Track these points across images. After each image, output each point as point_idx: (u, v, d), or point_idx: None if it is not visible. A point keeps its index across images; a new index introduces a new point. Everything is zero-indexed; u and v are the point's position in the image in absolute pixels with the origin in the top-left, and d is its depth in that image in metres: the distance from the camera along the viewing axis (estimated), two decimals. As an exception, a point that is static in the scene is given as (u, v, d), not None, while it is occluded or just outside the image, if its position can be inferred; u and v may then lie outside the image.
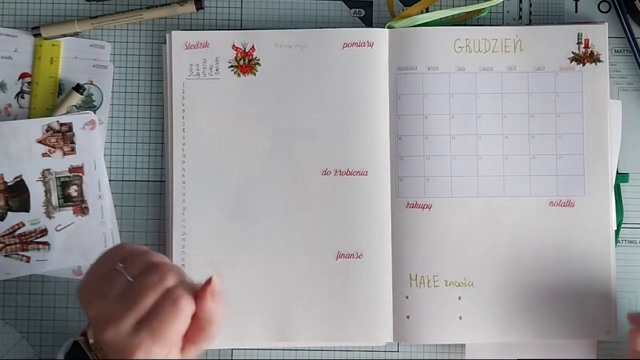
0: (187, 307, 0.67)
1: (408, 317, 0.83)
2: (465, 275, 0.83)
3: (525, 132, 0.84)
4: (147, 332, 0.66)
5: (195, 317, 0.69)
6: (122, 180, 0.86)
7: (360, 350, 0.85)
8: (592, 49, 0.85)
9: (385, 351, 0.85)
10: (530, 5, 0.88)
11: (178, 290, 0.67)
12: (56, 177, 0.84)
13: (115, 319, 0.66)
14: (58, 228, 0.84)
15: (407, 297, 0.83)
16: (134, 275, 0.68)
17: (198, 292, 0.69)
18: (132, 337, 0.66)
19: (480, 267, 0.83)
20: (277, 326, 0.83)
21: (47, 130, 0.84)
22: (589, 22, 0.86)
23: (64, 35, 0.86)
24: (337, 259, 0.84)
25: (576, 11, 0.87)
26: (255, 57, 0.85)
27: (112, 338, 0.66)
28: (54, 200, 0.84)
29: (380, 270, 0.83)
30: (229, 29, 0.87)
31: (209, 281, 0.69)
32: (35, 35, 0.86)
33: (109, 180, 0.85)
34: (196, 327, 0.69)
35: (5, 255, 0.84)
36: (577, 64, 0.85)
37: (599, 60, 0.85)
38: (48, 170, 0.84)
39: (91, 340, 0.70)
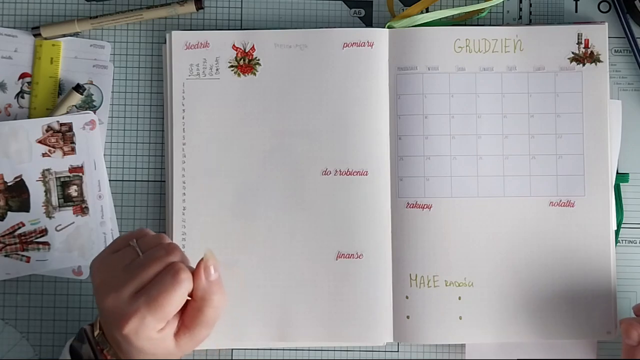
0: (185, 280, 0.69)
1: (408, 317, 0.83)
2: (465, 275, 0.83)
3: (525, 132, 0.84)
4: (144, 299, 0.68)
5: (192, 299, 0.71)
6: (122, 180, 0.86)
7: (360, 350, 0.85)
8: (592, 49, 0.85)
9: (385, 351, 0.85)
10: (530, 5, 0.88)
11: (179, 264, 0.70)
12: (56, 177, 0.84)
13: (118, 285, 0.69)
14: (58, 228, 0.84)
15: (407, 297, 0.83)
16: (145, 251, 0.71)
17: (194, 271, 0.71)
18: (130, 303, 0.69)
19: (480, 267, 0.83)
20: (277, 326, 0.83)
21: (47, 130, 0.84)
22: (589, 22, 0.86)
23: (64, 35, 0.86)
24: (337, 259, 0.84)
25: (576, 11, 0.87)
26: (256, 57, 0.85)
27: (111, 304, 0.69)
28: (54, 200, 0.84)
29: (380, 270, 0.83)
30: (229, 29, 0.87)
31: (202, 259, 0.71)
32: (35, 35, 0.86)
33: (109, 180, 0.85)
34: (192, 309, 0.71)
35: (5, 255, 0.84)
36: (577, 64, 0.85)
37: (599, 60, 0.85)
38: (48, 170, 0.84)
39: (96, 332, 0.73)
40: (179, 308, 0.70)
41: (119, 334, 0.69)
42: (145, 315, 0.68)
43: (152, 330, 0.69)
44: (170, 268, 0.69)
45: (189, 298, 0.71)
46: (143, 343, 0.69)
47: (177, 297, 0.69)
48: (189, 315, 0.72)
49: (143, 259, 0.70)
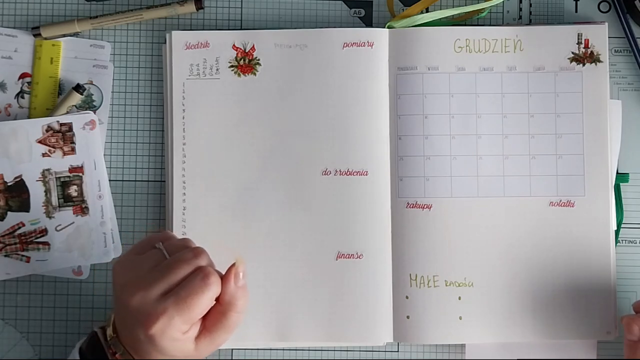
0: (214, 284, 0.70)
1: (408, 317, 0.83)
2: (465, 275, 0.83)
3: (525, 132, 0.84)
4: (173, 300, 0.69)
5: (217, 303, 0.71)
6: (122, 180, 0.86)
7: (360, 350, 0.85)
8: (592, 49, 0.85)
9: (385, 351, 0.85)
10: (530, 5, 0.88)
11: (209, 268, 0.71)
12: (56, 177, 0.84)
13: (146, 284, 0.69)
14: (58, 228, 0.84)
15: (407, 297, 0.83)
16: (172, 254, 0.72)
17: (223, 276, 0.72)
18: (159, 303, 0.69)
19: (480, 267, 0.83)
20: (277, 326, 0.83)
21: (47, 130, 0.84)
22: (589, 22, 0.86)
23: (64, 35, 0.86)
24: (337, 259, 0.84)
25: (576, 11, 0.87)
26: (256, 57, 0.85)
27: (139, 303, 0.69)
28: (54, 200, 0.84)
29: (380, 270, 0.83)
30: (229, 29, 0.87)
31: (233, 265, 0.72)
32: (35, 35, 0.86)
33: (109, 180, 0.85)
34: (217, 313, 0.72)
35: (5, 255, 0.84)
36: (577, 64, 0.85)
37: (599, 61, 0.85)
38: (48, 170, 0.84)
39: (109, 332, 0.73)
40: (206, 311, 0.71)
41: (143, 333, 0.69)
42: (173, 316, 0.68)
43: (178, 331, 0.69)
44: (200, 271, 0.70)
45: (214, 302, 0.71)
46: (166, 344, 0.69)
47: (206, 299, 0.69)
48: (212, 318, 0.72)
49: (171, 260, 0.70)
